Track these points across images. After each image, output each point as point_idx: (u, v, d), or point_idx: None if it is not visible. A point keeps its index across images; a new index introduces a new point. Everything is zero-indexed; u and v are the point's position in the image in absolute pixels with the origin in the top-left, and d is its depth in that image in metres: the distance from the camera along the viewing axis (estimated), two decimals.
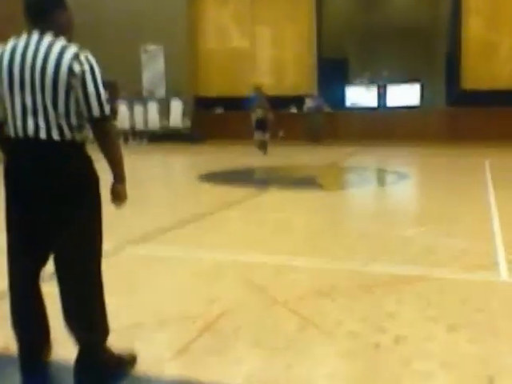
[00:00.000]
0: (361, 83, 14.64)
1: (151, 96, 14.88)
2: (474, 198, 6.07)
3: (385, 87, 14.09)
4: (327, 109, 13.63)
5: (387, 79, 14.23)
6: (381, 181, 8.50)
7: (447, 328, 2.55)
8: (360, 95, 14.32)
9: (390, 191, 7.40)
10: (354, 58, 16.25)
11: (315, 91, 13.99)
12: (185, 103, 14.52)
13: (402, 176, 8.17)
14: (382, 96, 14.06)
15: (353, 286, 3.15)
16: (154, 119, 14.70)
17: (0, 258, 2.26)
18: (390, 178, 8.45)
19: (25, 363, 2.14)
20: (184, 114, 14.55)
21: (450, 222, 4.88)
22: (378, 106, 14.03)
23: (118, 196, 2.12)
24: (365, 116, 13.78)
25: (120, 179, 2.10)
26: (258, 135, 11.13)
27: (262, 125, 11.02)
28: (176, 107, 14.57)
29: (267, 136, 11.22)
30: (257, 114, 11.12)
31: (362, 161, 10.48)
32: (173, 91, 14.52)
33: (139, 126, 14.69)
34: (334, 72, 14.26)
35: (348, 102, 14.28)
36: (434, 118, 13.41)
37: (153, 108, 14.69)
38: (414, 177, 8.39)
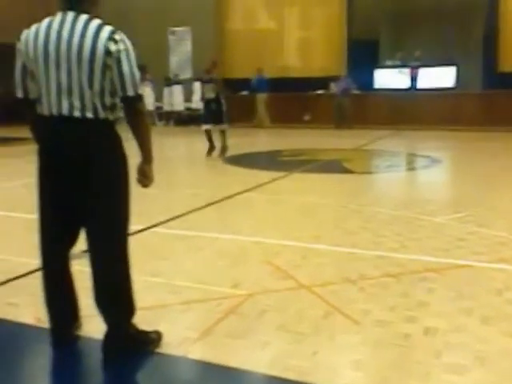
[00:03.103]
0: (392, 65, 14.18)
1: (178, 78, 14.84)
2: (510, 185, 5.83)
3: (418, 70, 13.61)
4: (355, 90, 13.30)
5: (421, 61, 13.71)
6: (411, 165, 8.27)
7: (481, 320, 2.44)
8: (391, 78, 13.89)
9: (421, 176, 7.19)
10: (385, 40, 15.74)
11: (344, 73, 13.66)
12: None
13: (434, 160, 7.93)
14: (414, 79, 13.59)
15: (380, 273, 3.06)
16: (180, 101, 14.69)
17: (32, 237, 2.28)
18: (421, 162, 8.21)
19: (55, 337, 2.23)
20: None
21: (484, 209, 4.70)
22: (410, 89, 13.58)
23: (145, 176, 2.13)
24: (396, 98, 13.38)
25: (148, 159, 2.12)
26: (207, 125, 7.86)
27: (213, 111, 7.79)
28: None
29: (224, 127, 7.87)
30: (207, 93, 7.99)
31: (392, 144, 10.23)
32: (199, 73, 14.43)
33: (166, 107, 14.74)
34: (364, 54, 13.86)
35: (377, 85, 13.87)
36: (469, 101, 12.91)
37: (179, 90, 14.66)
38: (446, 161, 8.13)
